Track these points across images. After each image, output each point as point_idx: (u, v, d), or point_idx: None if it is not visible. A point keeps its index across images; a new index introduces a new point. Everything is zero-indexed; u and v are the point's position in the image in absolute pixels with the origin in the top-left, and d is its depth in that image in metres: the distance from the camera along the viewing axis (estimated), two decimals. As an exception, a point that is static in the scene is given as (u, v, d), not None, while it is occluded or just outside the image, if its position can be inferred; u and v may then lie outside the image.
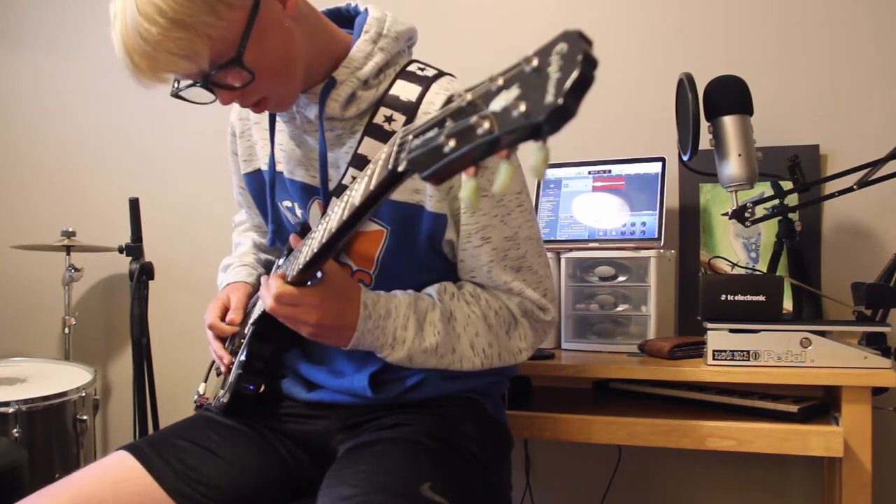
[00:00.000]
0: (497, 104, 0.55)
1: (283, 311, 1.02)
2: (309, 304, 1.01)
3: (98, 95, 2.50)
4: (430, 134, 0.62)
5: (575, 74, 0.50)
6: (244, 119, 1.26)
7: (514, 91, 0.54)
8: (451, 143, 0.59)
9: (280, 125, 1.17)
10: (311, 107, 1.08)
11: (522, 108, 0.52)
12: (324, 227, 0.92)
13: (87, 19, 2.50)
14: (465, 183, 0.58)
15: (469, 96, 0.58)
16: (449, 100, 0.60)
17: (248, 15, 0.95)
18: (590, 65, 0.50)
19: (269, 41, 0.98)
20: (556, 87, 0.50)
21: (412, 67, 1.11)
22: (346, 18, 1.15)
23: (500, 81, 0.55)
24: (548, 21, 1.99)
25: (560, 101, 0.50)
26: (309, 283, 1.02)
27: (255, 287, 1.30)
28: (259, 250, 1.40)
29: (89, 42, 2.50)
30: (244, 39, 0.95)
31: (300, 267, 0.97)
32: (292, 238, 1.12)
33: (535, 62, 0.53)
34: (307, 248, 0.96)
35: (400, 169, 0.69)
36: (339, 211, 0.87)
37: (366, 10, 1.12)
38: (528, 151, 0.53)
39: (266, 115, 1.18)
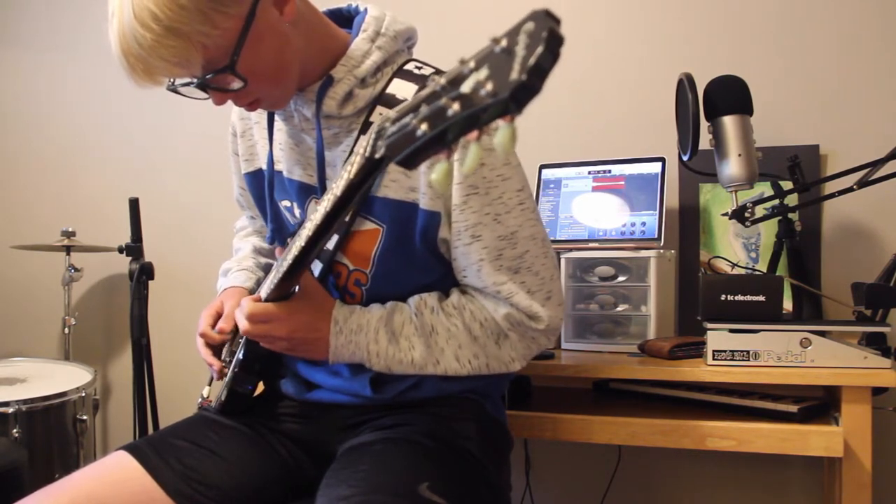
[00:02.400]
0: (467, 86, 0.55)
1: (256, 331, 1.06)
2: (279, 318, 1.05)
3: (98, 95, 2.50)
4: (406, 119, 0.63)
5: (539, 51, 0.50)
6: (245, 119, 1.26)
7: (484, 72, 0.54)
8: (424, 126, 0.59)
9: (279, 124, 1.17)
10: (308, 105, 1.08)
11: (489, 87, 0.53)
12: (310, 223, 0.92)
13: (87, 19, 2.50)
14: (436, 166, 0.57)
15: (443, 80, 0.58)
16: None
17: (244, 23, 0.95)
18: (555, 41, 0.50)
19: (263, 48, 0.98)
20: (521, 64, 0.50)
21: (409, 66, 1.11)
22: (347, 19, 1.15)
23: (472, 63, 0.56)
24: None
25: (524, 77, 0.50)
26: (292, 290, 1.04)
27: (253, 291, 1.30)
28: (259, 254, 1.40)
29: (89, 42, 2.50)
30: (238, 48, 0.95)
31: (286, 268, 0.98)
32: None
33: (504, 42, 0.53)
34: (293, 248, 0.97)
35: (377, 156, 0.69)
36: (324, 204, 0.87)
37: (365, 9, 1.12)
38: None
39: (266, 113, 1.18)
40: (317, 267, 1.14)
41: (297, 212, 1.18)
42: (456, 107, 0.56)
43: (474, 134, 0.55)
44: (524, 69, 0.50)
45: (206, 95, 1.01)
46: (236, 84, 0.98)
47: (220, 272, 1.38)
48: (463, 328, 1.09)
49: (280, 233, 1.22)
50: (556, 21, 0.51)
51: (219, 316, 1.26)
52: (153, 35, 0.90)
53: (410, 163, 0.63)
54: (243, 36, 0.95)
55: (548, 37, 0.50)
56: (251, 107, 1.06)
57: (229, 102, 1.04)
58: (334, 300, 1.10)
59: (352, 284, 1.14)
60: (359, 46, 1.07)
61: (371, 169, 0.75)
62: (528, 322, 1.09)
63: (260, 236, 1.43)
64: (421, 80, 1.08)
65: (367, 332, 1.07)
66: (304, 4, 1.06)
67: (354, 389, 1.15)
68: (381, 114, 1.07)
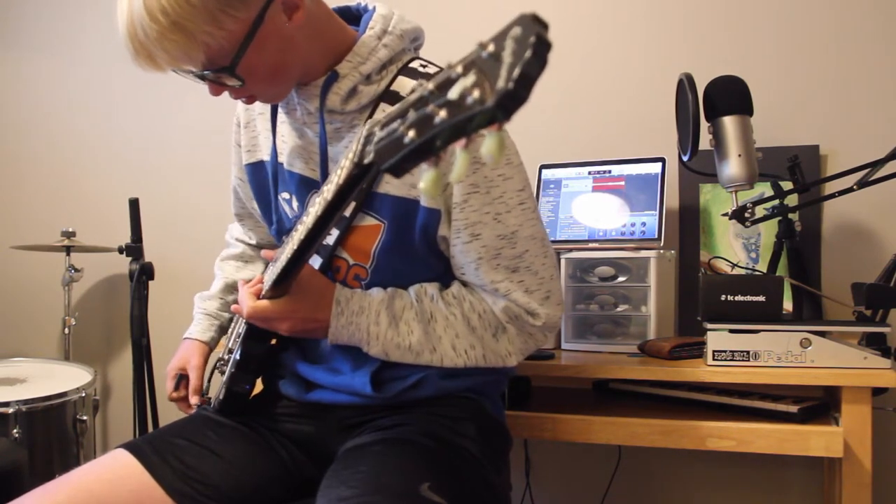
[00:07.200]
0: (454, 92, 0.54)
1: (258, 324, 1.10)
2: (280, 317, 1.07)
3: (98, 95, 2.50)
4: (394, 125, 0.62)
5: (527, 57, 0.49)
6: (249, 109, 1.27)
7: (471, 78, 0.53)
8: (411, 133, 0.58)
9: (282, 116, 1.17)
10: (312, 100, 1.08)
11: (476, 94, 0.51)
12: (302, 226, 0.93)
13: (87, 19, 2.50)
14: (425, 175, 0.56)
15: (430, 85, 0.57)
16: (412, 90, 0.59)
17: (250, 28, 0.96)
18: (543, 47, 0.49)
19: (265, 52, 0.99)
20: (508, 71, 0.49)
21: (414, 64, 1.11)
22: (356, 17, 1.16)
23: (459, 69, 0.54)
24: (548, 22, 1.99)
25: (510, 85, 0.49)
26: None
27: (214, 340, 1.37)
28: (230, 292, 1.41)
29: (89, 42, 2.49)
30: (241, 51, 0.96)
31: (279, 270, 0.99)
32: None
33: (491, 47, 0.52)
34: (286, 250, 0.97)
35: (366, 161, 0.69)
36: (315, 207, 0.88)
37: (373, 7, 1.13)
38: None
39: (270, 105, 1.18)
40: (316, 261, 1.14)
41: (295, 204, 1.18)
42: (443, 114, 0.54)
43: (463, 141, 0.54)
44: (511, 77, 0.49)
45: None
46: (233, 84, 1.00)
47: (195, 298, 1.41)
48: (461, 318, 1.09)
49: (278, 225, 1.23)
50: (544, 26, 0.50)
51: (183, 373, 1.32)
52: (159, 27, 0.91)
53: (399, 170, 0.61)
54: (248, 40, 0.96)
55: (535, 43, 0.49)
56: (248, 101, 1.08)
57: (225, 95, 1.06)
58: (335, 285, 1.10)
59: (351, 279, 1.14)
60: (365, 43, 1.08)
61: (360, 174, 0.75)
62: (525, 317, 1.10)
63: (241, 260, 1.44)
64: (426, 78, 1.08)
65: (368, 313, 1.08)
66: (315, 4, 1.06)
67: (355, 388, 1.15)
68: (383, 111, 1.08)
